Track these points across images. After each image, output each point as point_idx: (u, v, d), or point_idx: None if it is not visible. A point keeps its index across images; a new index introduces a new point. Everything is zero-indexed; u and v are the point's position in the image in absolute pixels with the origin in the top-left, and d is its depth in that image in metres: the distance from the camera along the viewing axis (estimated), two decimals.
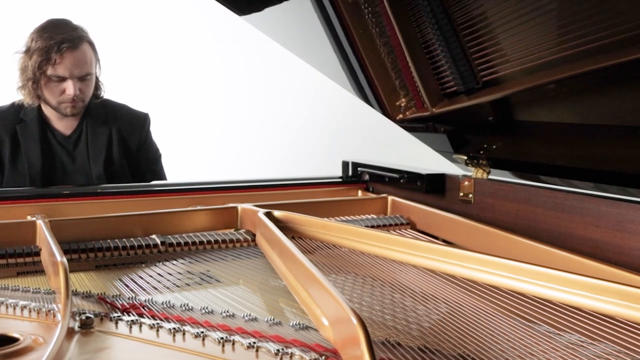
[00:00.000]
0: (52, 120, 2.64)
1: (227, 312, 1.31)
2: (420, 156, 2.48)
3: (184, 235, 1.82)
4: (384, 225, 1.96)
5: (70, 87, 2.51)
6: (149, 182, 2.73)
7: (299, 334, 1.21)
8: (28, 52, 2.52)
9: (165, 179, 2.84)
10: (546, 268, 1.35)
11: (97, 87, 2.68)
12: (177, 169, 3.27)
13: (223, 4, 2.12)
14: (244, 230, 1.91)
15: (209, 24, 4.30)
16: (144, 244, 1.76)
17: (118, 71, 2.70)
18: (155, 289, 1.49)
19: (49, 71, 2.49)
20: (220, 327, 1.24)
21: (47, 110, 2.62)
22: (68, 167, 2.64)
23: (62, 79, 2.51)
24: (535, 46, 1.52)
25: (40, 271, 1.61)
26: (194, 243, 1.79)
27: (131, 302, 1.37)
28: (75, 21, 2.60)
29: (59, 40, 2.47)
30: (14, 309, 1.33)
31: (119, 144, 2.69)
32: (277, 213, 1.81)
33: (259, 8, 2.26)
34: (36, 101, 2.58)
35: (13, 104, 2.65)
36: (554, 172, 1.76)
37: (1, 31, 3.68)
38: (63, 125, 2.65)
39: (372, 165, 2.35)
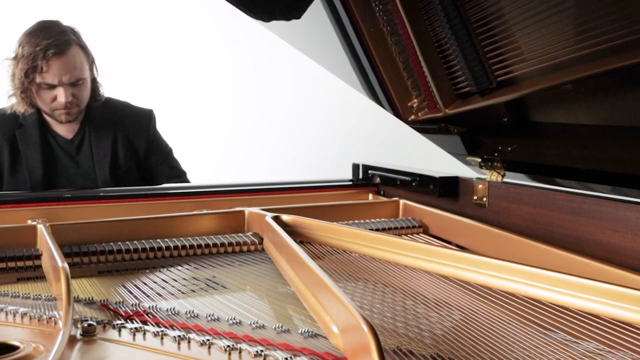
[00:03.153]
0: (52, 124, 2.57)
1: (234, 319, 1.29)
2: (433, 158, 2.46)
3: (189, 238, 1.80)
4: (396, 228, 1.94)
5: (61, 95, 2.44)
6: (167, 177, 2.69)
7: (308, 342, 1.19)
8: (16, 58, 2.44)
9: (182, 170, 2.79)
10: (563, 274, 1.32)
11: (95, 90, 2.59)
12: None
13: (233, 4, 2.11)
14: (250, 232, 1.88)
15: (217, 23, 4.30)
16: (147, 247, 1.73)
17: (123, 71, 2.67)
18: (160, 295, 1.47)
19: (38, 79, 2.42)
20: (226, 334, 1.22)
21: (46, 115, 2.55)
22: (72, 172, 2.58)
23: (52, 86, 2.44)
24: (551, 45, 1.49)
25: (41, 277, 1.59)
26: (199, 246, 1.77)
27: (135, 309, 1.35)
28: (70, 21, 2.53)
29: (44, 47, 2.38)
30: (14, 316, 1.31)
31: (125, 147, 2.63)
32: (285, 217, 1.79)
33: (267, 8, 2.23)
34: (29, 109, 2.50)
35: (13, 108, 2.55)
36: (570, 175, 1.74)
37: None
38: (64, 130, 2.58)
39: (384, 167, 2.32)
